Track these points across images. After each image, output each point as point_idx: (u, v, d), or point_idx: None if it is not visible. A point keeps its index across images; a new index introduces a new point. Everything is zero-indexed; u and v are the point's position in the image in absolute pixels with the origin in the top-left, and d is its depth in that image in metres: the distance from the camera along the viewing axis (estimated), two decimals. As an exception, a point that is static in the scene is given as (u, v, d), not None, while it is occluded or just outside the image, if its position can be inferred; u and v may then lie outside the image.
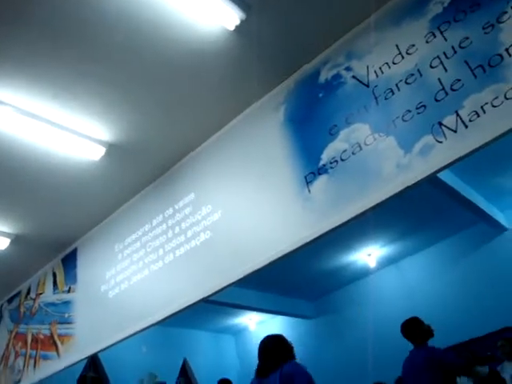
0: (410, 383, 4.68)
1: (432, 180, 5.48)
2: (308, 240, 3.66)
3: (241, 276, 4.06)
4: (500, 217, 8.03)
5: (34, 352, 6.11)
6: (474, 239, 8.28)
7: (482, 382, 5.59)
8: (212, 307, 7.95)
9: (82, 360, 5.85)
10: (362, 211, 3.40)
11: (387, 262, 8.97)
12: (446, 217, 7.58)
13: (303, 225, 3.71)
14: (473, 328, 7.56)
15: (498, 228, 8.08)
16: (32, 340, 6.24)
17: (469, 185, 6.86)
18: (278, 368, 3.50)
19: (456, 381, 4.55)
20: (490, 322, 7.36)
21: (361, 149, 3.51)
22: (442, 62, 3.24)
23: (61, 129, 4.20)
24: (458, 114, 3.07)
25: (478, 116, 2.98)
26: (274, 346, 3.67)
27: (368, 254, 8.56)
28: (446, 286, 8.26)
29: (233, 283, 4.20)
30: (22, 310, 6.64)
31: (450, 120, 3.10)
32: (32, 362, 6.09)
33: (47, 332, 5.99)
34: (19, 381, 6.17)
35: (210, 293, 4.29)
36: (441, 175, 5.60)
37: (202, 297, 4.34)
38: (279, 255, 3.81)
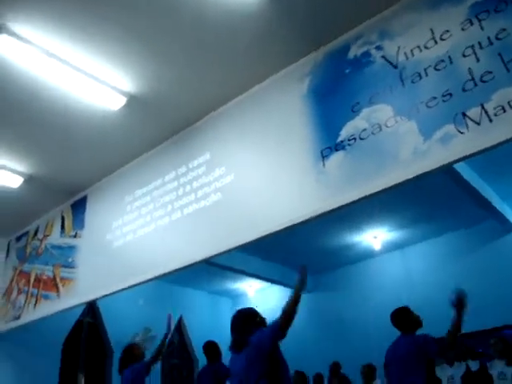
0: (393, 370, 4.75)
1: (448, 171, 5.43)
2: (318, 213, 3.68)
3: (245, 241, 4.11)
4: (511, 215, 7.97)
5: (36, 291, 6.24)
6: (482, 235, 8.22)
7: (469, 376, 5.66)
8: (213, 269, 8.01)
9: (80, 304, 5.97)
10: (375, 192, 3.41)
11: (392, 247, 8.95)
12: (457, 209, 7.52)
13: (315, 197, 3.72)
14: (470, 322, 7.55)
15: (508, 226, 8.02)
16: (35, 279, 6.37)
17: (484, 180, 6.79)
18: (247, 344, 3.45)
19: (435, 370, 4.63)
20: (488, 319, 7.34)
21: (381, 129, 3.48)
22: (475, 52, 3.18)
23: (84, 74, 4.19)
24: (483, 107, 3.02)
25: (504, 111, 2.93)
26: (243, 322, 3.59)
27: (374, 237, 8.54)
28: (449, 277, 8.20)
29: (236, 247, 4.25)
30: (28, 249, 6.76)
31: (474, 112, 3.06)
32: (33, 300, 6.22)
33: (50, 273, 6.10)
34: (19, 317, 6.32)
35: (212, 254, 4.35)
36: (457, 167, 5.54)
37: (204, 257, 4.40)
38: (287, 225, 3.84)
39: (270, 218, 3.93)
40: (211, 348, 5.92)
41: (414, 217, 7.84)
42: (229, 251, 4.28)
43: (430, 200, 7.11)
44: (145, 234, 4.97)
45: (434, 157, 3.17)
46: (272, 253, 8.37)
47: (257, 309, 3.73)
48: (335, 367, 7.49)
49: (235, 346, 3.56)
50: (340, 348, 8.35)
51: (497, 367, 5.40)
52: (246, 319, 3.60)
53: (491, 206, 7.08)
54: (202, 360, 6.88)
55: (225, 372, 5.67)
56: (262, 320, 3.62)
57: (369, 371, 6.41)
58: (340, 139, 3.68)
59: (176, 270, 4.62)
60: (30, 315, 6.16)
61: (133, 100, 4.54)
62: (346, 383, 7.21)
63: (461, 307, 4.35)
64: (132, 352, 5.32)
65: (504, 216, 7.64)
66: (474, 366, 5.82)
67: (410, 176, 3.26)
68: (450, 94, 3.20)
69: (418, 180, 3.29)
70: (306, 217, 3.73)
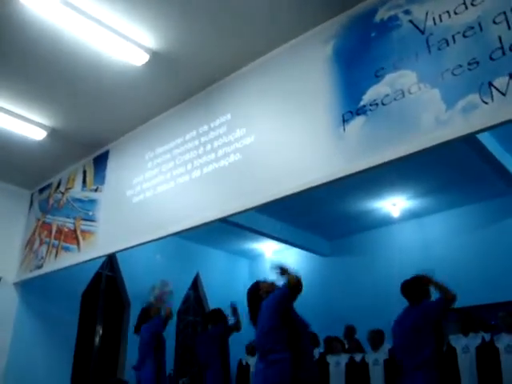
0: (401, 342, 4.76)
1: (470, 141, 5.36)
2: (337, 177, 3.68)
3: (262, 202, 4.14)
4: (533, 191, 7.84)
5: (57, 242, 6.40)
6: (501, 209, 8.11)
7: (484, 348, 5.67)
8: (231, 228, 8.08)
9: (100, 257, 6.13)
10: (393, 158, 3.39)
11: (410, 216, 8.91)
12: (478, 181, 7.43)
13: (334, 161, 3.72)
14: (484, 295, 7.55)
15: (529, 202, 7.91)
16: (56, 231, 6.52)
17: (508, 153, 6.68)
18: None
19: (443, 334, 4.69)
20: (503, 292, 7.32)
21: (403, 96, 3.43)
22: (507, 19, 3.06)
23: (108, 29, 4.19)
24: (511, 77, 2.95)
25: (532, 82, 2.87)
26: (248, 299, 3.90)
27: (393, 204, 8.51)
28: (464, 250, 8.19)
29: (253, 208, 4.30)
30: (50, 201, 6.90)
31: (501, 82, 2.98)
32: (54, 251, 6.39)
33: (71, 226, 6.24)
34: (41, 266, 6.51)
35: (230, 213, 4.41)
36: (481, 138, 5.45)
37: (221, 216, 4.46)
38: (305, 187, 3.86)
39: (288, 181, 3.95)
40: (214, 314, 6.36)
41: (434, 187, 7.77)
42: (246, 211, 4.33)
43: (451, 170, 7.04)
44: (164, 190, 5.03)
45: (456, 126, 3.12)
46: (291, 216, 8.44)
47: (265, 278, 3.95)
48: (349, 331, 7.55)
49: (252, 320, 3.84)
50: (352, 311, 8.45)
51: (504, 340, 5.42)
52: (250, 296, 3.90)
53: (513, 181, 6.98)
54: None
55: (223, 332, 6.22)
56: (268, 289, 3.78)
57: (375, 336, 6.47)
58: (362, 104, 3.65)
59: (194, 227, 4.70)
60: (51, 265, 6.35)
61: (156, 57, 4.54)
62: (357, 347, 7.28)
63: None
64: (149, 312, 5.80)
65: (525, 191, 7.53)
66: (486, 338, 5.85)
67: (431, 144, 3.22)
68: (477, 63, 3.12)
69: (439, 149, 3.26)
70: (324, 180, 3.74)
